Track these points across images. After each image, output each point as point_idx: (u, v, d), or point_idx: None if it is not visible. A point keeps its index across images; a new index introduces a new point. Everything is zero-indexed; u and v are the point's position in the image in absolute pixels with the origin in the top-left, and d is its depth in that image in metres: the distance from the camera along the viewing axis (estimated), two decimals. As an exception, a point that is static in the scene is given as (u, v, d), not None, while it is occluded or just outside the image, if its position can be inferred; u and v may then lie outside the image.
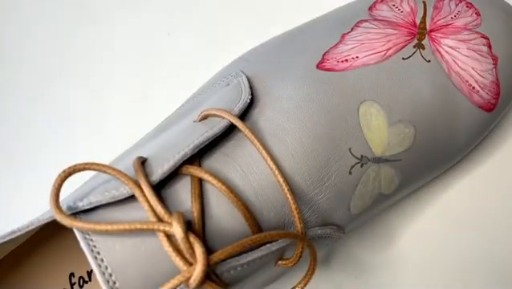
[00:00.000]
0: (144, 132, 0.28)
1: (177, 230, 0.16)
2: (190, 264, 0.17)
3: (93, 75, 0.35)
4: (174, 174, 0.20)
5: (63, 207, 0.19)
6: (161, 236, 0.17)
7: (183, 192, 0.20)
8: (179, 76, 0.34)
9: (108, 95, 0.35)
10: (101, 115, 0.35)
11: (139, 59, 0.35)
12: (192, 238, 0.17)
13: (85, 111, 0.35)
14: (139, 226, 0.16)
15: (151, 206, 0.17)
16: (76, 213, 0.19)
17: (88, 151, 0.34)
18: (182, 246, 0.16)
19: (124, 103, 0.35)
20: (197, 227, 0.19)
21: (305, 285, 0.22)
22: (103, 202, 0.19)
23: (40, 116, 0.35)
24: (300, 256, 0.21)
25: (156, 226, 0.17)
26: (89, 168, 0.19)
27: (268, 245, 0.20)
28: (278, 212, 0.21)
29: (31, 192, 0.34)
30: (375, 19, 0.26)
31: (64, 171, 0.19)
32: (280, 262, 0.22)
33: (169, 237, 0.17)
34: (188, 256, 0.17)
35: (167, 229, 0.17)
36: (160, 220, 0.17)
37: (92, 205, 0.19)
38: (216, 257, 0.17)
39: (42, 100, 0.36)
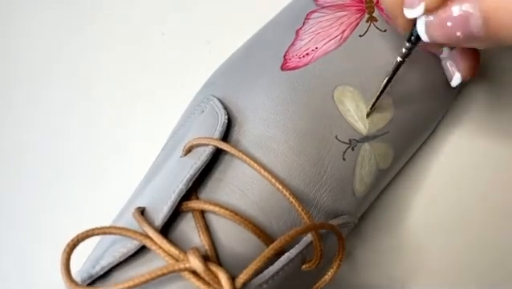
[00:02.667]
0: (137, 132, 0.30)
1: (197, 264, 0.17)
2: None
3: (86, 74, 0.36)
4: (176, 215, 0.21)
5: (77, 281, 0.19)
6: (187, 274, 0.18)
7: (189, 229, 0.21)
8: (173, 76, 0.35)
9: (102, 95, 0.35)
10: (94, 114, 0.35)
11: (132, 59, 0.36)
12: (213, 268, 0.17)
13: (78, 110, 0.35)
14: (159, 273, 0.17)
15: (164, 251, 0.18)
16: (92, 282, 0.20)
17: (80, 149, 0.35)
18: (206, 277, 0.17)
19: (118, 103, 0.35)
20: (211, 259, 0.19)
21: (339, 265, 0.22)
22: (115, 263, 0.20)
23: (34, 116, 0.36)
24: (321, 253, 0.22)
25: (176, 267, 0.17)
26: (92, 235, 0.20)
27: (286, 254, 0.21)
28: (286, 219, 0.22)
29: (26, 190, 0.35)
30: (323, 7, 0.27)
31: (68, 245, 0.19)
32: (304, 266, 0.22)
33: (194, 273, 0.18)
34: (216, 286, 0.17)
35: (187, 265, 0.17)
36: (177, 261, 0.18)
37: (105, 269, 0.20)
38: (242, 279, 0.18)
39: (35, 100, 0.36)
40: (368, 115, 0.25)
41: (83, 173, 0.34)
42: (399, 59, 0.23)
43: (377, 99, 0.24)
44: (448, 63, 0.24)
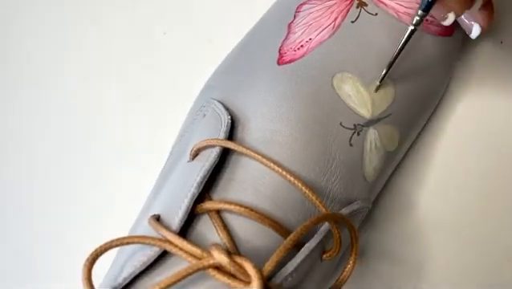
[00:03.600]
0: (138, 132, 0.31)
1: (221, 258, 0.17)
2: (248, 283, 0.17)
3: (87, 74, 0.36)
4: (191, 218, 0.21)
5: None
6: (211, 271, 0.18)
7: (206, 230, 0.21)
8: (174, 76, 0.35)
9: (103, 95, 0.36)
10: (95, 114, 0.35)
11: (134, 58, 0.36)
12: (238, 259, 0.17)
13: (78, 110, 0.36)
14: (185, 273, 0.17)
15: (186, 252, 0.18)
16: (116, 295, 0.20)
17: (80, 149, 0.35)
18: (232, 269, 0.17)
19: (119, 103, 0.35)
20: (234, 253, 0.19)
21: (354, 260, 0.22)
22: (137, 272, 0.20)
23: (34, 116, 0.36)
24: (340, 240, 0.22)
25: (201, 265, 0.17)
26: (111, 247, 0.20)
27: (306, 245, 0.21)
28: (301, 209, 0.22)
29: (25, 187, 0.35)
30: (312, -2, 0.27)
31: (88, 259, 0.19)
32: (324, 255, 0.23)
33: (219, 269, 0.18)
34: (243, 277, 0.17)
35: (211, 262, 0.17)
36: (200, 259, 0.18)
37: (128, 280, 0.20)
38: (267, 269, 0.18)
39: (36, 100, 0.36)
40: (377, 89, 0.25)
41: (84, 173, 0.35)
42: (411, 27, 0.24)
43: (388, 69, 0.25)
44: (463, 17, 0.25)
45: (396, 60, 0.24)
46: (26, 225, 0.34)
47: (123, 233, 0.26)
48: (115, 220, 0.29)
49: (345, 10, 0.26)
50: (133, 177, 0.33)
